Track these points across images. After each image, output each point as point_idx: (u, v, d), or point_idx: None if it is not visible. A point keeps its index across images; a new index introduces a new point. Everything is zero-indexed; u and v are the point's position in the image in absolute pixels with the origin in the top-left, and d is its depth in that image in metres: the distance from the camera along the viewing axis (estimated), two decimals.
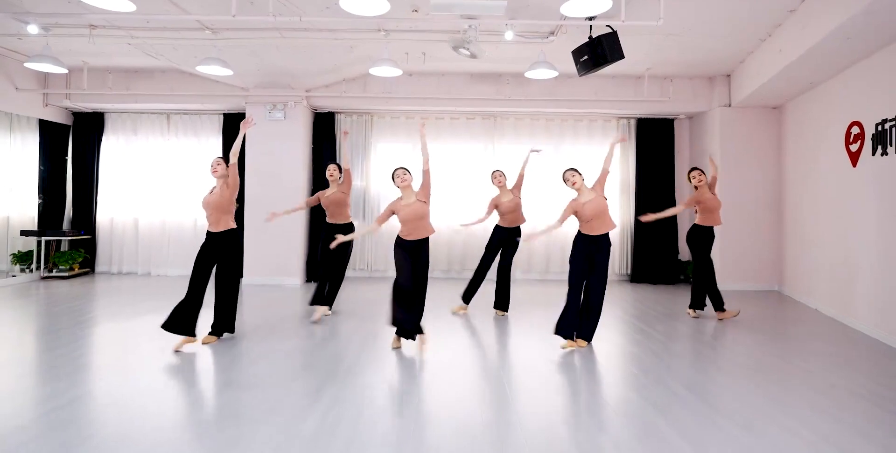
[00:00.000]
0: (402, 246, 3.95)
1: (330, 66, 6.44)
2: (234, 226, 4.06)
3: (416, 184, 4.00)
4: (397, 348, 3.95)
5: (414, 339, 3.95)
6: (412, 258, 3.92)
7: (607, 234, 4.04)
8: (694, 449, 2.42)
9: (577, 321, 4.04)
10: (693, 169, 5.14)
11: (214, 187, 4.09)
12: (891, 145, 4.34)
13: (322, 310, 4.84)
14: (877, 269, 4.54)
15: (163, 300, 5.76)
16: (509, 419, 2.74)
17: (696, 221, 5.10)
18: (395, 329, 3.98)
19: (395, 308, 3.90)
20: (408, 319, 3.87)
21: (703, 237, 5.03)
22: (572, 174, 4.08)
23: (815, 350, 4.12)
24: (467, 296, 5.27)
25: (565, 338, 4.02)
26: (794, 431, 2.63)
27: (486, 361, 3.80)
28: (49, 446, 2.35)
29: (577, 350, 4.00)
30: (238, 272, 4.18)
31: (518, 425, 2.66)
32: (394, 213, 3.93)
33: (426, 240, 3.97)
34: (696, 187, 5.07)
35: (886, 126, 4.39)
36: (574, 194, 4.16)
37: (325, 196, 4.92)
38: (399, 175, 3.93)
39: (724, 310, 4.99)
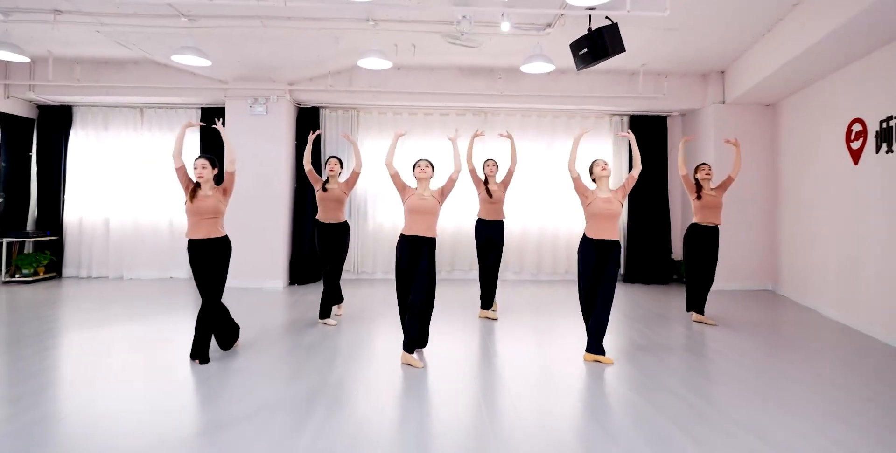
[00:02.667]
0: (404, 241, 3.69)
1: (314, 58, 6.13)
2: (225, 232, 3.75)
3: (434, 183, 3.96)
4: (408, 364, 3.56)
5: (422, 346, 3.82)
6: (413, 256, 3.65)
7: (617, 242, 3.73)
8: None
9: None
10: (702, 164, 4.92)
11: (198, 190, 3.60)
12: None
13: (335, 316, 4.86)
14: (882, 268, 4.45)
15: (136, 306, 5.40)
16: (510, 424, 2.51)
17: (694, 219, 4.87)
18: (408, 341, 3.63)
19: (403, 318, 3.73)
20: (411, 329, 3.60)
21: (695, 236, 4.81)
22: (604, 164, 3.79)
23: (818, 351, 4.00)
24: (486, 304, 5.05)
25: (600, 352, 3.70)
26: (806, 436, 2.48)
27: (482, 367, 3.57)
28: None
29: (572, 351, 3.80)
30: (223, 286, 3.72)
31: (520, 429, 2.44)
32: (403, 190, 3.77)
33: (431, 242, 3.68)
34: (699, 181, 4.82)
35: (892, 123, 4.30)
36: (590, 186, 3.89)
37: (327, 190, 4.67)
38: (421, 165, 3.77)
39: (701, 314, 4.85)
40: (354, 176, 4.75)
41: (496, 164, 5.13)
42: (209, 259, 3.56)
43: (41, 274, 6.85)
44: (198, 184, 3.63)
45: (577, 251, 3.81)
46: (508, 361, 3.72)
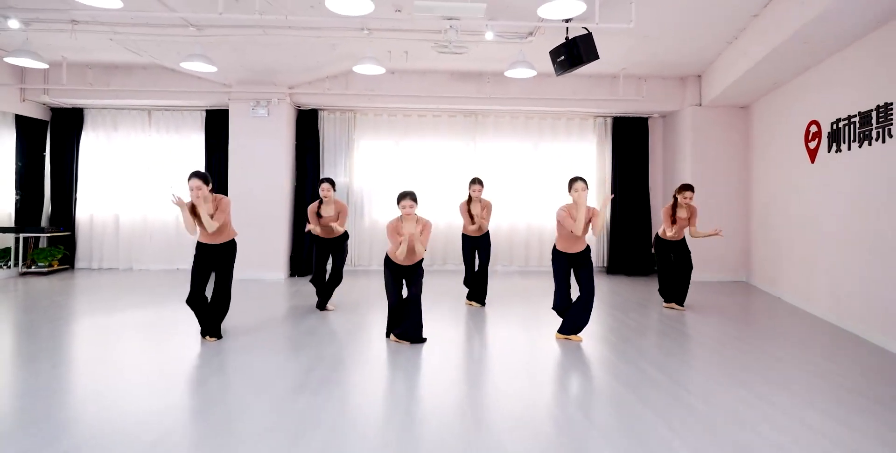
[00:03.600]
0: (392, 268, 3.97)
1: (313, 64, 6.53)
2: (236, 233, 4.14)
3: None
4: (397, 341, 3.98)
5: (423, 341, 4.02)
6: (404, 278, 4.02)
7: (587, 248, 4.09)
8: (673, 432, 2.63)
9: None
10: (687, 187, 5.08)
11: (198, 214, 3.77)
12: (844, 142, 4.65)
13: (332, 306, 5.10)
14: (835, 260, 4.85)
15: (144, 295, 5.80)
16: (492, 409, 2.91)
17: (664, 235, 5.14)
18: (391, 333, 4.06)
19: (389, 316, 4.08)
20: (408, 327, 3.97)
21: (664, 247, 5.27)
22: (584, 186, 3.93)
23: (780, 335, 4.40)
24: (472, 296, 5.42)
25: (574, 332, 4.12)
26: (764, 412, 2.87)
27: (470, 353, 3.97)
28: (27, 439, 2.35)
29: (560, 341, 4.20)
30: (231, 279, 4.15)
31: (499, 411, 2.84)
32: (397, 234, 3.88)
33: (420, 263, 4.02)
34: (680, 206, 5.09)
35: (840, 125, 4.70)
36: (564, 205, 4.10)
37: (322, 217, 4.85)
38: (406, 205, 3.80)
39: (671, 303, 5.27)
40: (345, 212, 4.90)
41: (482, 185, 5.20)
42: (216, 260, 3.99)
43: (55, 266, 7.24)
44: (194, 207, 3.82)
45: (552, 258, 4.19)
46: (495, 346, 4.12)
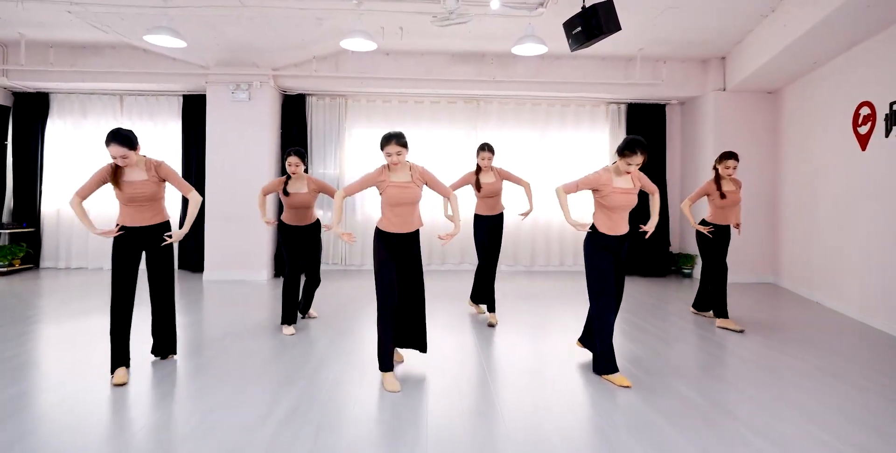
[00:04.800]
0: (385, 240, 2.94)
1: (297, 42, 5.88)
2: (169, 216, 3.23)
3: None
4: (394, 391, 2.82)
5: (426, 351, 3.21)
6: (400, 257, 2.99)
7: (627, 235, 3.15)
8: None
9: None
10: (730, 155, 4.16)
11: (118, 170, 2.95)
12: None
13: (291, 330, 3.95)
14: (889, 257, 4.23)
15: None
16: (502, 426, 2.30)
17: (710, 218, 4.30)
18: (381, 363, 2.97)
19: (384, 335, 2.92)
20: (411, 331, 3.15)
21: (716, 235, 4.29)
22: (643, 152, 2.92)
23: (821, 345, 3.79)
24: (476, 297, 4.63)
25: (612, 372, 3.02)
26: (817, 437, 2.26)
27: (477, 362, 3.35)
28: None
29: (573, 348, 3.58)
30: (173, 275, 3.28)
31: (508, 436, 2.23)
32: (372, 187, 2.92)
33: (416, 234, 3.05)
34: (721, 175, 4.20)
35: None
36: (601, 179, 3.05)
37: (292, 195, 3.95)
38: (391, 153, 2.83)
39: (725, 318, 4.24)
40: (325, 188, 4.05)
41: (492, 151, 4.32)
42: (149, 249, 3.15)
43: (17, 265, 6.61)
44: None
45: (584, 249, 3.11)
46: (503, 355, 3.50)
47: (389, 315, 2.91)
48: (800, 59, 5.19)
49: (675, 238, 7.32)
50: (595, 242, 3.06)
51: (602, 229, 3.05)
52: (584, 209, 6.89)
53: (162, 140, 7.01)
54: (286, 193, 3.96)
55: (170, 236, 3.06)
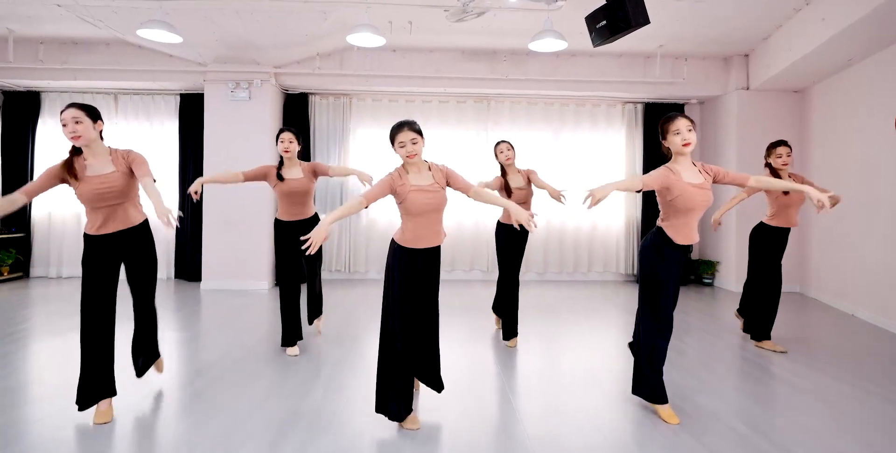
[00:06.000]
0: (410, 260, 2.45)
1: (301, 38, 5.57)
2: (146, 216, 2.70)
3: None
4: (414, 429, 2.46)
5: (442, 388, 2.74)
6: (421, 279, 2.50)
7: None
8: None
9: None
10: (779, 143, 3.67)
11: (75, 163, 2.45)
12: None
13: (295, 350, 3.55)
14: None
15: None
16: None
17: (771, 220, 3.81)
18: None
19: (388, 386, 2.44)
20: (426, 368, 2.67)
21: (773, 238, 3.82)
22: (691, 126, 2.54)
23: (866, 364, 3.48)
24: (497, 308, 4.16)
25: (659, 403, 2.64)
26: None
27: (495, 379, 3.04)
28: None
29: (593, 368, 3.27)
30: (154, 282, 2.82)
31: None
32: (392, 195, 2.45)
33: (439, 249, 2.60)
34: (776, 169, 3.68)
35: None
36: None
37: (287, 181, 3.45)
38: (404, 142, 2.40)
39: (768, 339, 3.85)
40: (322, 169, 3.57)
41: (511, 148, 3.80)
42: (128, 255, 2.66)
43: (6, 274, 6.30)
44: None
45: (642, 259, 2.64)
46: (522, 371, 3.19)
47: (404, 356, 2.42)
48: (835, 56, 4.88)
49: (696, 244, 7.00)
50: (662, 252, 2.57)
51: (674, 237, 2.55)
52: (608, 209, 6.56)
53: (158, 141, 6.71)
54: (280, 178, 3.44)
55: (169, 221, 2.22)
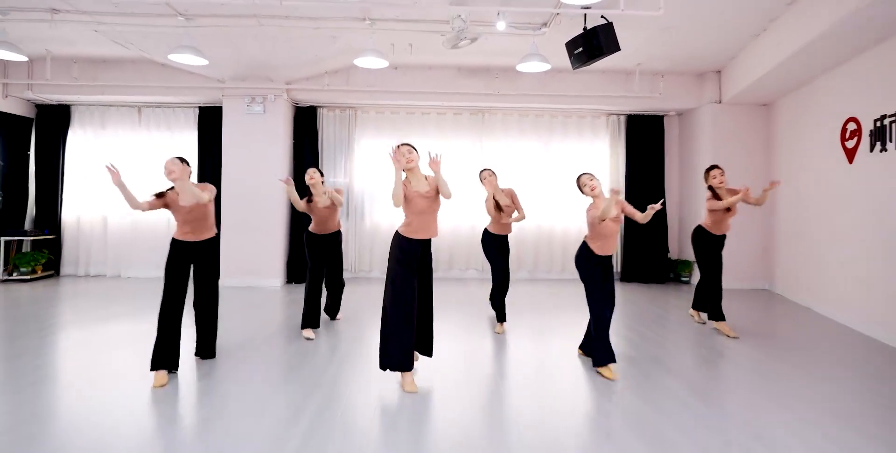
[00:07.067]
0: (410, 246, 3.11)
1: (311, 58, 6.15)
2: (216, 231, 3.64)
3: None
4: (413, 392, 3.02)
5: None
6: (419, 263, 3.18)
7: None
8: None
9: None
10: (713, 167, 4.38)
11: (172, 189, 3.41)
12: (890, 141, 4.27)
13: (311, 333, 4.22)
14: (877, 267, 4.47)
15: (133, 304, 5.42)
16: (509, 431, 2.53)
17: (707, 226, 4.42)
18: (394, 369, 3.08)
19: (393, 342, 3.04)
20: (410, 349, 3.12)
21: (714, 243, 4.45)
22: (590, 178, 3.44)
23: (812, 350, 4.01)
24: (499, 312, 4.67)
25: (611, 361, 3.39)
26: (812, 443, 2.49)
27: (486, 367, 3.58)
28: None
29: (572, 355, 3.82)
30: (217, 285, 3.68)
31: (519, 436, 2.46)
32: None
33: (430, 242, 3.25)
34: (715, 188, 4.32)
35: (886, 122, 4.31)
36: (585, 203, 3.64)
37: (319, 207, 4.31)
38: (404, 152, 3.10)
39: (723, 320, 4.43)
40: (336, 199, 4.29)
41: (493, 173, 4.52)
42: (197, 261, 3.55)
43: (39, 272, 6.86)
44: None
45: (577, 259, 3.53)
46: (509, 361, 3.74)
47: (408, 319, 3.03)
48: (792, 75, 5.44)
49: (674, 245, 7.55)
50: (589, 260, 3.48)
51: (599, 251, 3.46)
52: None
53: (178, 150, 7.27)
54: (310, 201, 4.33)
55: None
